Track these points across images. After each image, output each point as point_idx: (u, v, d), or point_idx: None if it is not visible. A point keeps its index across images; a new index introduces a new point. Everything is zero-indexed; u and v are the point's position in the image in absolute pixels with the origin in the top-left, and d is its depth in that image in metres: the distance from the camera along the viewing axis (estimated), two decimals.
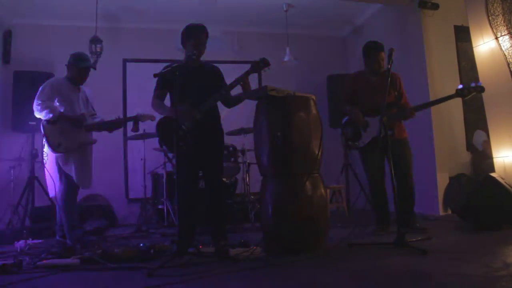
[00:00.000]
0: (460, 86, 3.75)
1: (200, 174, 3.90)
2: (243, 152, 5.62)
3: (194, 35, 3.76)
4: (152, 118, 4.28)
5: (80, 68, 4.14)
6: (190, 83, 3.64)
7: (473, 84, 3.72)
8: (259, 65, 3.59)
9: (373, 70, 4.18)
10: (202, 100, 3.63)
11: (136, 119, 4.21)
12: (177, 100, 3.32)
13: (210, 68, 3.93)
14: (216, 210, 3.78)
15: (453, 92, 3.76)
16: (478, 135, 5.65)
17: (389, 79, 3.52)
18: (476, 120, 5.70)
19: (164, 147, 3.78)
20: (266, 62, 3.57)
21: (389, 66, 3.53)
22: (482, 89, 3.71)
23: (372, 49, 4.18)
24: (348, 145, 4.29)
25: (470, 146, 5.78)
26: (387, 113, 3.75)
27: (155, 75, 3.22)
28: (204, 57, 3.83)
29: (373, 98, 4.02)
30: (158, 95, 3.78)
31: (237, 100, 3.81)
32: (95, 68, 4.26)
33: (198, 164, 3.75)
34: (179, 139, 3.44)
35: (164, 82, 3.68)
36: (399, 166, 3.95)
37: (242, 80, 3.62)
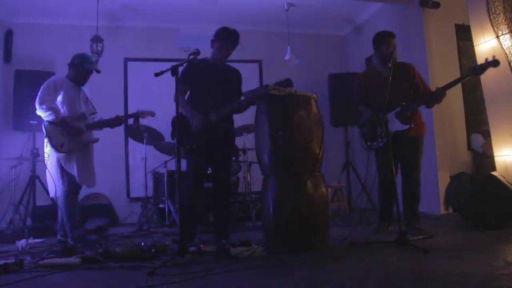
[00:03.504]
0: (472, 64, 3.59)
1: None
2: (244, 151, 5.63)
3: (222, 38, 3.84)
4: (152, 114, 4.31)
5: (85, 69, 4.15)
6: (213, 83, 3.78)
7: (487, 60, 3.54)
8: (282, 85, 3.50)
9: (385, 57, 3.94)
10: (222, 100, 3.72)
11: (137, 116, 4.23)
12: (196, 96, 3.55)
13: (233, 71, 4.03)
14: (223, 209, 3.88)
15: (456, 86, 3.69)
16: (476, 139, 5.64)
17: (393, 72, 3.50)
18: (477, 120, 5.70)
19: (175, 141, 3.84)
20: (290, 83, 3.48)
21: (390, 65, 3.53)
22: (495, 63, 3.49)
23: (384, 35, 4.08)
24: (367, 146, 4.16)
25: (471, 145, 5.79)
26: (399, 106, 3.75)
27: (156, 75, 3.22)
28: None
29: (385, 94, 3.93)
30: (181, 91, 3.75)
31: (243, 109, 3.84)
32: (99, 72, 4.26)
33: (207, 163, 3.87)
34: (191, 138, 3.62)
35: (187, 77, 3.74)
36: (407, 164, 3.95)
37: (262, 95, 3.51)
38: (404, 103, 3.84)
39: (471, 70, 3.60)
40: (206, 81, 3.80)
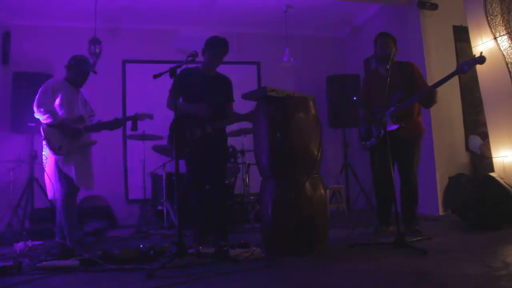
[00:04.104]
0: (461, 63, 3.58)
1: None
2: (242, 152, 5.63)
3: (212, 47, 3.96)
4: (150, 117, 4.31)
5: (81, 71, 4.15)
6: (205, 91, 3.93)
7: (474, 56, 3.54)
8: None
9: (379, 57, 4.07)
10: (215, 107, 3.90)
11: (135, 118, 4.23)
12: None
13: (224, 79, 4.16)
14: (220, 211, 3.97)
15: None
16: (474, 140, 5.64)
17: (391, 72, 3.50)
18: (475, 121, 5.70)
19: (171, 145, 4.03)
20: None
21: (388, 67, 3.53)
22: (481, 60, 3.48)
23: (377, 36, 4.14)
24: (362, 145, 4.23)
25: (469, 146, 5.79)
26: (394, 105, 3.75)
27: (154, 77, 3.22)
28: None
29: (382, 94, 3.95)
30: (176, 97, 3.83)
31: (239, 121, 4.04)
32: (95, 73, 4.27)
33: (203, 165, 3.98)
34: (185, 144, 3.79)
35: (179, 85, 3.79)
36: (402, 166, 3.95)
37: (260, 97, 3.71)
38: (397, 104, 3.83)
39: (458, 68, 3.58)
40: (199, 89, 3.93)
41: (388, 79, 3.51)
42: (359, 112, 4.32)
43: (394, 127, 3.81)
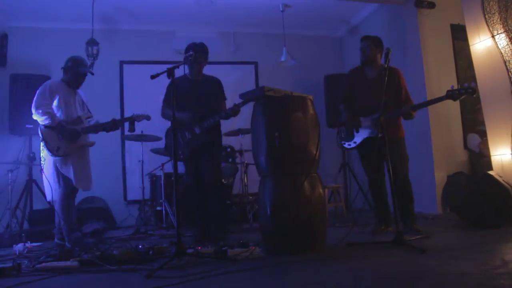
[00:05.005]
0: (451, 87, 3.62)
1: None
2: (240, 152, 5.63)
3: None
4: (148, 118, 4.32)
5: (78, 72, 4.14)
6: (194, 96, 4.09)
7: (465, 85, 3.63)
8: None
9: (362, 60, 4.20)
10: (206, 110, 4.04)
11: (132, 120, 4.23)
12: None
13: (212, 80, 4.28)
14: (215, 211, 4.05)
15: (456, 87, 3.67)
16: (472, 139, 5.66)
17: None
18: (473, 119, 5.71)
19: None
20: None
21: (386, 65, 3.53)
22: (473, 92, 3.54)
23: (360, 40, 4.23)
24: (341, 145, 4.28)
25: (467, 145, 5.80)
26: (382, 112, 3.73)
27: (152, 77, 3.23)
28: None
29: (367, 96, 4.01)
30: (169, 105, 4.06)
31: (234, 113, 3.99)
32: (92, 74, 4.27)
33: (200, 165, 4.11)
34: (179, 148, 3.96)
35: (171, 94, 3.87)
36: (391, 165, 3.96)
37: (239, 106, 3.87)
38: (379, 114, 3.81)
39: (448, 94, 3.61)
40: (188, 96, 4.06)
41: (386, 79, 3.50)
42: (339, 107, 4.37)
43: (373, 134, 3.93)
